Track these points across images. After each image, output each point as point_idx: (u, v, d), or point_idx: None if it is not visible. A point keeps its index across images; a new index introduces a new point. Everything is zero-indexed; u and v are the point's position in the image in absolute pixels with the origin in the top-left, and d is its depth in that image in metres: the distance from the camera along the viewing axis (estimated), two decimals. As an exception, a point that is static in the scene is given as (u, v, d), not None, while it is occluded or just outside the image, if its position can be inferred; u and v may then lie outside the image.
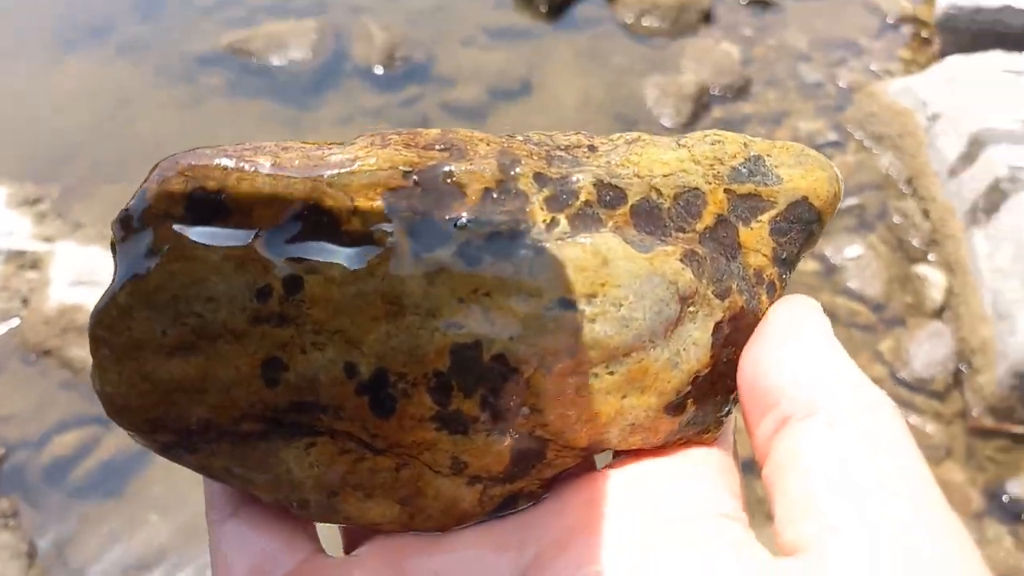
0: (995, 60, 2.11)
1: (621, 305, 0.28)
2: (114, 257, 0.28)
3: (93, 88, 2.38)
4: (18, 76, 2.41)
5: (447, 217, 0.28)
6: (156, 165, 0.29)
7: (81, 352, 1.59)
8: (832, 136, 2.20)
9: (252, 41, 2.44)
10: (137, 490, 1.48)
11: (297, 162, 0.27)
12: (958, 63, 2.14)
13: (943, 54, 2.38)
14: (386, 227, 0.27)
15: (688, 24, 2.59)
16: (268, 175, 0.26)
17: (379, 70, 2.41)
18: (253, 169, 0.26)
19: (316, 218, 0.26)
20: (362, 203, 0.26)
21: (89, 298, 1.64)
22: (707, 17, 2.62)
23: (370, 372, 0.27)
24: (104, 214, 1.92)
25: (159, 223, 0.27)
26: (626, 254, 0.28)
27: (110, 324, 0.26)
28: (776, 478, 0.24)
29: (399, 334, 0.27)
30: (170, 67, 2.45)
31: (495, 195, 0.28)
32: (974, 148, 1.85)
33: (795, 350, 0.26)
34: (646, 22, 2.60)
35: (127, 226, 0.27)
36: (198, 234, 0.26)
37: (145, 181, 0.28)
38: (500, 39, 2.57)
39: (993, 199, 1.73)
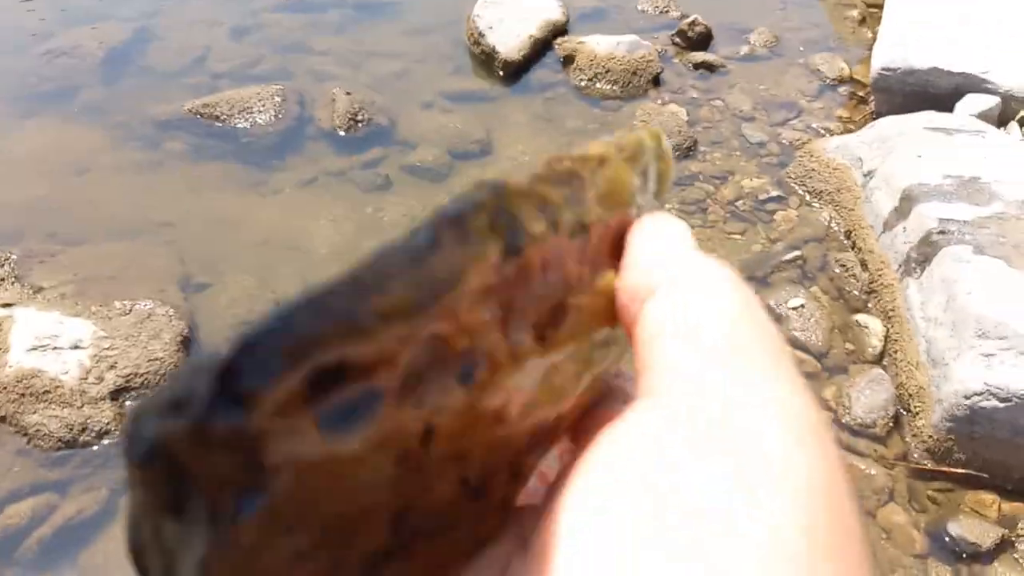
0: (925, 119, 2.24)
1: None
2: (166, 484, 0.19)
3: (53, 152, 2.41)
4: (-20, 141, 2.43)
5: None
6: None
7: (38, 418, 1.59)
8: (775, 192, 2.31)
9: (216, 106, 2.50)
10: (93, 559, 1.47)
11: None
12: (891, 122, 2.27)
13: (877, 113, 2.52)
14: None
15: (638, 87, 2.71)
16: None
17: (342, 133, 2.48)
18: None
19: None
20: (466, 318, 0.23)
21: (48, 363, 1.65)
22: (656, 81, 2.74)
23: (477, 476, 0.24)
24: (64, 278, 1.93)
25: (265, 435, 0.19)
26: None
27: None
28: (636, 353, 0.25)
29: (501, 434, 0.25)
30: (132, 131, 2.49)
31: None
32: (906, 203, 1.96)
33: (652, 250, 0.27)
34: (598, 85, 2.72)
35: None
36: (327, 421, 0.19)
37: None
38: (459, 103, 2.67)
39: (924, 251, 1.83)
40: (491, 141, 2.51)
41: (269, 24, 3.00)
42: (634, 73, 2.72)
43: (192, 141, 2.45)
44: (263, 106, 2.52)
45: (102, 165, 2.37)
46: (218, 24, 2.96)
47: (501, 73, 2.77)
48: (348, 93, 2.57)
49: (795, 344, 1.88)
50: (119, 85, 2.66)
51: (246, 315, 1.87)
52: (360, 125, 2.50)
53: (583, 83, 2.73)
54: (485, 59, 2.82)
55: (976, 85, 2.40)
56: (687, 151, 2.45)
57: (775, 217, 2.23)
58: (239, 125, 2.48)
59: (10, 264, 1.97)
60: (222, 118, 2.49)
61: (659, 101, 2.67)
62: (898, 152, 2.11)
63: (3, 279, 1.91)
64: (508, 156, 2.46)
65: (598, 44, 2.77)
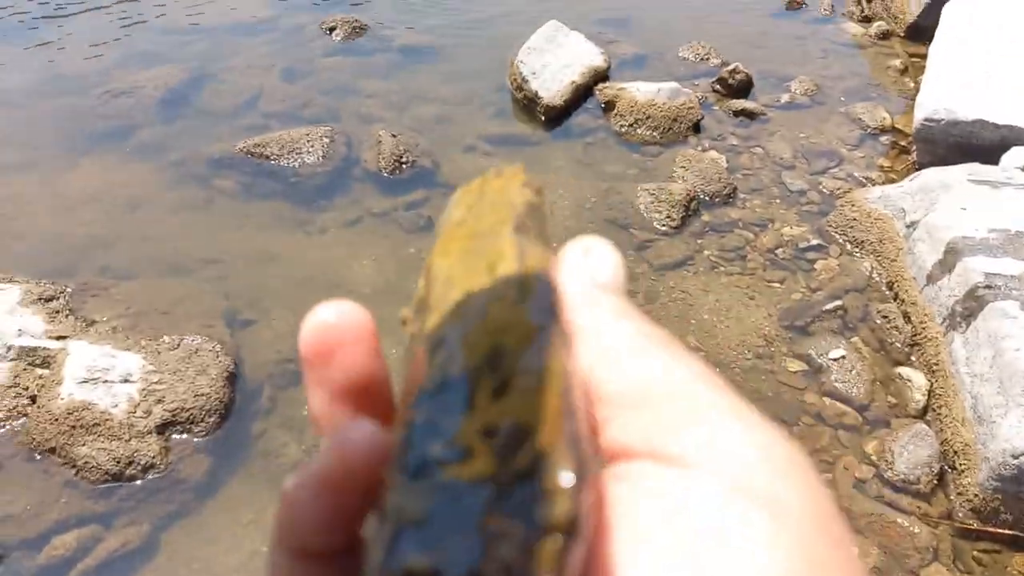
0: (969, 171, 2.23)
1: None
2: None
3: (109, 188, 2.50)
4: (36, 176, 2.54)
5: None
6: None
7: (87, 450, 1.64)
8: (815, 240, 2.30)
9: (267, 145, 2.58)
10: (133, 588, 1.50)
11: None
12: (934, 174, 2.26)
13: (920, 164, 2.51)
14: None
15: (678, 134, 2.73)
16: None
17: (386, 174, 2.53)
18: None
19: None
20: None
21: (99, 396, 1.70)
22: (696, 127, 2.77)
23: None
24: (116, 311, 2.00)
25: None
26: None
27: None
28: None
29: None
30: (185, 169, 2.58)
31: None
32: (951, 256, 1.94)
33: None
34: (639, 131, 2.75)
35: None
36: None
37: None
38: (500, 146, 2.72)
39: (970, 306, 1.81)
40: (531, 184, 2.54)
41: (319, 68, 3.10)
42: (674, 119, 2.75)
43: (242, 180, 2.52)
44: (312, 147, 2.59)
45: (155, 202, 2.45)
46: (271, 67, 3.07)
47: (543, 118, 2.82)
48: (394, 135, 2.64)
49: (836, 396, 1.86)
50: (174, 124, 2.76)
51: (289, 352, 1.91)
52: (404, 167, 2.56)
53: (623, 129, 2.76)
54: (527, 104, 2.87)
55: (1022, 138, 2.38)
56: (726, 197, 2.46)
57: (815, 266, 2.22)
58: (288, 165, 2.55)
59: (65, 297, 2.04)
60: (272, 158, 2.57)
61: (699, 147, 2.69)
62: (942, 204, 2.09)
63: (58, 311, 1.98)
64: (548, 199, 2.48)
65: (639, 90, 2.81)
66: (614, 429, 0.23)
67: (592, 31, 3.20)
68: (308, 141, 2.61)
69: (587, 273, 0.27)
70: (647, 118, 2.75)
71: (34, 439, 1.68)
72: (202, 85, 2.96)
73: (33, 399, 1.77)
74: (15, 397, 1.77)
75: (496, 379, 0.20)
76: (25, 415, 1.74)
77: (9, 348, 1.84)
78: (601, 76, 2.97)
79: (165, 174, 2.57)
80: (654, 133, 2.74)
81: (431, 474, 0.19)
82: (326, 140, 2.63)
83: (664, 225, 2.34)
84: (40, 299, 2.00)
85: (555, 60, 2.94)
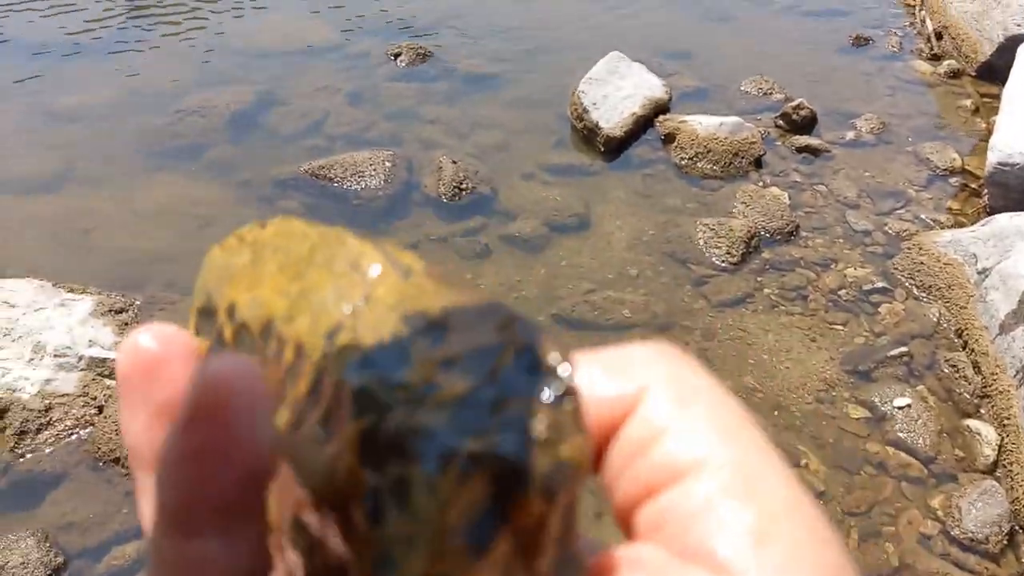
0: (1044, 217, 2.16)
1: None
2: None
3: (179, 205, 2.58)
4: (112, 190, 2.63)
5: None
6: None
7: (149, 460, 1.68)
8: (880, 283, 2.25)
9: (331, 168, 2.64)
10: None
11: None
12: (1008, 219, 2.19)
13: (991, 208, 2.44)
14: None
15: (739, 168, 2.71)
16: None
17: (445, 200, 2.56)
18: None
19: None
20: None
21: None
22: (758, 162, 2.74)
23: None
24: (182, 326, 2.05)
25: None
26: None
27: None
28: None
29: None
30: (252, 189, 2.65)
31: None
32: (1024, 305, 1.87)
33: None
34: (699, 165, 2.73)
35: None
36: None
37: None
38: (559, 175, 2.73)
39: (1045, 358, 1.74)
40: (589, 215, 2.55)
41: (384, 92, 3.16)
42: (735, 154, 2.73)
43: (306, 201, 2.58)
44: (374, 170, 2.64)
45: (222, 220, 2.52)
46: (337, 90, 3.14)
47: (602, 148, 2.82)
48: (454, 162, 2.67)
49: (900, 446, 1.80)
50: (243, 144, 2.85)
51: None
52: (464, 193, 2.58)
53: (683, 162, 2.75)
54: (587, 134, 2.88)
55: (1103, 184, 2.30)
56: (788, 235, 2.42)
57: (880, 310, 2.17)
58: (351, 188, 2.60)
59: (134, 310, 2.10)
60: (336, 180, 2.62)
61: (760, 183, 2.66)
62: (1017, 251, 2.03)
63: (127, 324, 2.04)
64: (605, 230, 2.49)
65: (700, 124, 2.80)
66: (659, 500, 0.19)
67: (654, 63, 3.21)
68: (371, 165, 2.66)
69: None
70: (708, 152, 2.74)
71: (99, 448, 1.73)
72: (271, 107, 3.05)
73: (100, 409, 1.82)
74: (83, 406, 1.82)
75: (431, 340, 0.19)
76: (92, 424, 1.80)
77: (80, 358, 1.90)
78: (662, 108, 2.97)
79: (233, 193, 2.64)
80: (715, 167, 2.72)
81: (420, 399, 0.18)
82: (388, 164, 2.67)
83: (723, 261, 2.32)
84: (111, 311, 2.07)
85: (616, 91, 2.95)
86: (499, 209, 2.56)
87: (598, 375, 0.21)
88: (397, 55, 3.37)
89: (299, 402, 0.20)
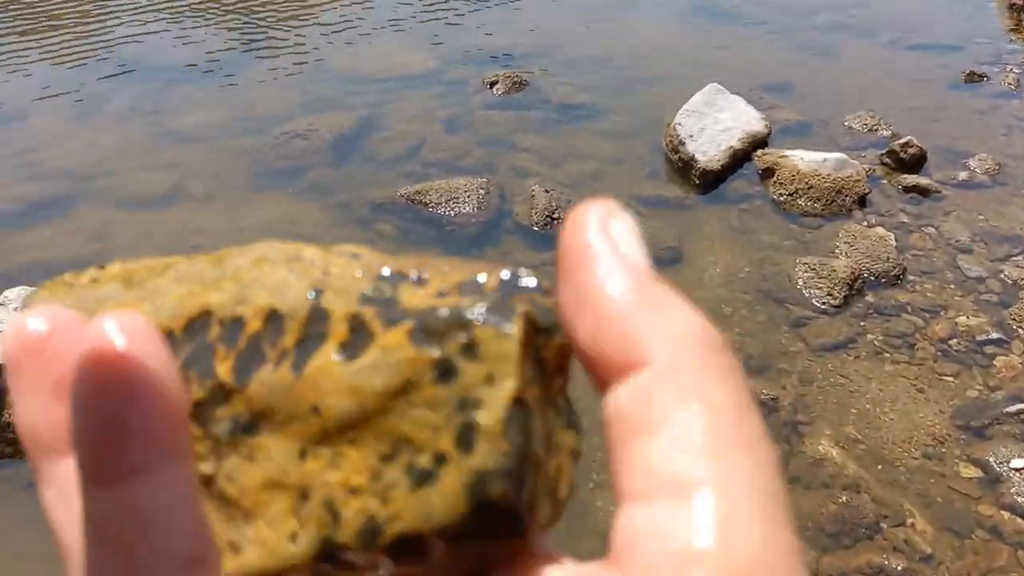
0: None
1: None
2: None
3: (279, 224, 2.67)
4: (218, 207, 2.75)
5: None
6: None
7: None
8: (995, 334, 2.12)
9: (427, 193, 2.69)
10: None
11: None
12: None
13: (1122, 258, 2.28)
14: None
15: (842, 207, 2.62)
16: None
17: (537, 228, 2.57)
18: None
19: None
20: None
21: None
22: (862, 201, 2.64)
23: None
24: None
25: None
26: None
27: None
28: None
29: None
30: (350, 211, 2.72)
31: None
32: None
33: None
34: (799, 202, 2.66)
35: None
36: None
37: None
38: (652, 207, 2.70)
39: None
40: (682, 249, 2.51)
41: (479, 120, 3.21)
42: (838, 192, 2.64)
43: (401, 225, 2.63)
44: (468, 197, 2.68)
45: (320, 239, 2.57)
46: (434, 117, 3.21)
47: (697, 182, 2.78)
48: (547, 191, 2.68)
49: (1017, 511, 1.68)
50: (343, 168, 2.93)
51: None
52: (556, 222, 2.58)
53: (782, 198, 2.68)
54: (682, 167, 2.85)
55: None
56: (894, 279, 2.32)
57: (995, 362, 2.04)
58: (445, 213, 2.64)
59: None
60: (431, 206, 2.67)
61: (865, 223, 2.56)
62: None
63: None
64: (699, 266, 2.44)
65: (802, 159, 2.72)
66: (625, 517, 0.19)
67: (753, 96, 3.15)
68: (465, 191, 2.70)
69: (620, 258, 0.23)
70: (809, 188, 2.66)
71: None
72: (370, 132, 3.13)
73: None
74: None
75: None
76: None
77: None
78: (761, 142, 2.91)
79: (331, 214, 2.72)
80: (816, 204, 2.64)
81: (438, 306, 0.22)
82: (482, 191, 2.71)
83: (824, 303, 2.23)
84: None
85: (714, 124, 2.90)
86: (591, 240, 2.55)
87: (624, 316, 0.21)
88: (493, 83, 3.43)
89: (291, 347, 0.23)
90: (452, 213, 2.65)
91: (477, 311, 0.22)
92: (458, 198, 2.68)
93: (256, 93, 3.41)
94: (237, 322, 0.24)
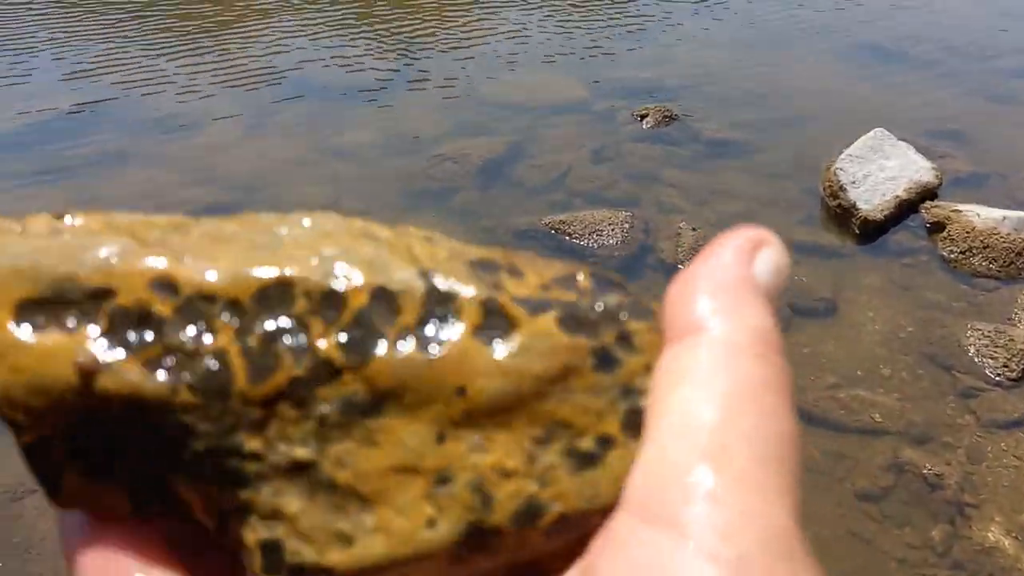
0: None
1: None
2: None
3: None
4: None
5: None
6: None
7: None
8: None
9: (571, 224, 2.69)
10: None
11: None
12: None
13: None
14: None
15: (1022, 270, 2.40)
16: None
17: (681, 267, 2.50)
18: None
19: None
20: None
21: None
22: (1047, 265, 2.41)
23: None
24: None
25: None
26: None
27: None
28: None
29: None
30: (494, 235, 2.75)
31: None
32: None
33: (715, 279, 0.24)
34: (972, 261, 2.45)
35: None
36: None
37: None
38: (805, 254, 2.57)
39: None
40: (837, 301, 2.37)
41: (626, 152, 3.19)
42: (1019, 254, 2.42)
43: (543, 253, 2.60)
44: (612, 230, 2.65)
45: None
46: (581, 147, 3.21)
47: (857, 231, 2.63)
48: (694, 229, 2.61)
49: None
50: (490, 192, 2.98)
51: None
52: (702, 263, 2.51)
53: (953, 255, 2.49)
54: (840, 214, 2.70)
55: None
56: (1083, 355, 2.09)
57: None
58: (588, 245, 2.63)
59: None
60: (574, 236, 2.66)
61: (1048, 289, 2.33)
62: None
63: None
64: (855, 320, 2.30)
65: (977, 215, 2.52)
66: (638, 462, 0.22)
67: (922, 143, 2.96)
68: (609, 224, 2.67)
69: (745, 268, 0.24)
70: (984, 247, 2.45)
71: None
72: (518, 159, 3.17)
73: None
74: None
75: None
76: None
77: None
78: (929, 193, 2.72)
79: (475, 237, 2.76)
80: (992, 265, 2.43)
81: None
82: (626, 225, 2.67)
83: (999, 374, 2.04)
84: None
85: (878, 171, 2.74)
86: (738, 283, 2.45)
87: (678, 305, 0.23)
88: (643, 116, 3.39)
89: (412, 326, 0.23)
90: (595, 245, 2.63)
91: (622, 306, 0.23)
92: (602, 230, 2.66)
93: (411, 117, 3.53)
94: (333, 296, 0.22)
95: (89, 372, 0.22)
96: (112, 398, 0.22)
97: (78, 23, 4.26)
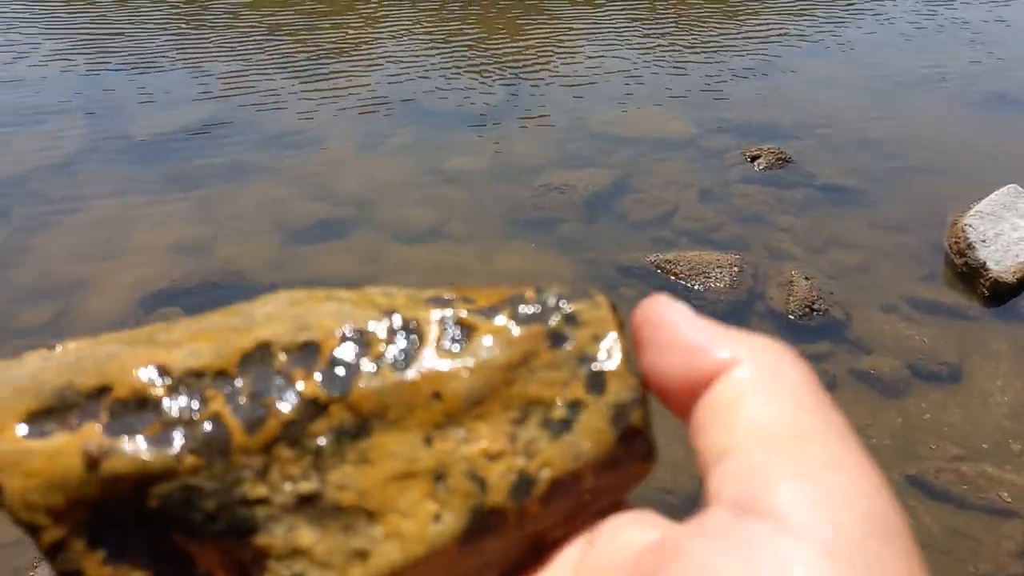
0: None
1: None
2: None
3: (529, 272, 2.74)
4: (475, 248, 2.87)
5: None
6: None
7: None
8: None
9: (677, 263, 2.64)
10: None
11: None
12: None
13: None
14: None
15: None
16: None
17: (792, 317, 2.42)
18: None
19: None
20: None
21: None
22: None
23: None
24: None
25: None
26: None
27: None
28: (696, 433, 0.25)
29: None
30: (596, 268, 2.73)
31: None
32: None
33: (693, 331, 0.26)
34: (1117, 334, 2.27)
35: None
36: None
37: None
38: (927, 313, 2.44)
39: None
40: (962, 366, 2.23)
41: (736, 194, 3.12)
42: None
43: (646, 292, 2.56)
44: (720, 274, 2.58)
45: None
46: (689, 186, 3.16)
47: (986, 292, 2.48)
48: (807, 278, 2.52)
49: None
50: (595, 225, 2.96)
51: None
52: (816, 314, 2.41)
53: (1094, 326, 2.31)
54: (966, 272, 2.56)
55: None
56: None
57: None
58: (693, 287, 2.57)
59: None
60: (680, 276, 2.61)
61: None
62: None
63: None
64: (982, 389, 2.16)
65: (1123, 285, 2.34)
66: (713, 475, 0.23)
67: (1061, 203, 2.77)
68: (717, 267, 2.61)
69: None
70: None
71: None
72: (624, 193, 3.15)
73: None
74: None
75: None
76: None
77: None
78: (1069, 257, 2.53)
79: (578, 269, 2.74)
80: None
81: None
82: (735, 269, 2.60)
83: None
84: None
85: (1011, 230, 2.59)
86: (853, 339, 2.35)
87: (700, 334, 0.25)
88: (755, 157, 3.32)
89: (384, 354, 0.25)
90: (701, 287, 2.57)
91: (561, 296, 0.26)
92: (709, 273, 2.60)
93: (518, 146, 3.56)
94: (308, 346, 0.25)
95: (95, 458, 0.23)
96: (120, 478, 0.23)
97: (208, 44, 4.51)
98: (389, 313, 0.26)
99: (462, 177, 3.28)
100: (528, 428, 0.25)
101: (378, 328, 0.25)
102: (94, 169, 3.19)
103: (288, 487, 0.24)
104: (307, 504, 0.24)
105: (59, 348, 0.26)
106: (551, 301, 0.26)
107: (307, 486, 0.24)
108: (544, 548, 0.25)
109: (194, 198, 3.00)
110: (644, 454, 0.26)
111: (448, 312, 0.26)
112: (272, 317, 0.26)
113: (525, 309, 0.26)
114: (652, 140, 3.54)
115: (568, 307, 0.26)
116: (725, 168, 3.31)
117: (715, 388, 0.24)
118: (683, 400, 0.25)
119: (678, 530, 0.22)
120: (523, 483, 0.24)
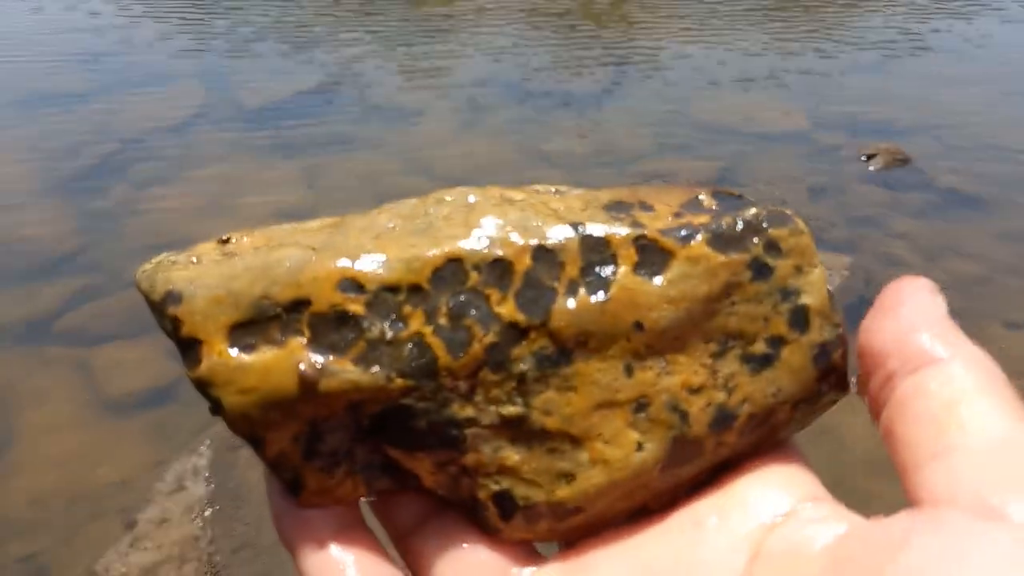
0: None
1: None
2: None
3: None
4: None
5: None
6: None
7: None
8: None
9: (781, 263, 2.54)
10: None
11: None
12: None
13: None
14: None
15: None
16: None
17: (904, 327, 2.29)
18: None
19: None
20: None
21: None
22: None
23: None
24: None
25: None
26: None
27: None
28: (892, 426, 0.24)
29: None
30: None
31: None
32: None
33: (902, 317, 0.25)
34: None
35: None
36: None
37: None
38: (1057, 334, 2.27)
39: None
40: (1093, 393, 2.06)
41: (849, 193, 2.97)
42: None
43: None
44: (829, 276, 2.45)
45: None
46: (798, 181, 3.03)
47: (1126, 316, 2.28)
48: (923, 287, 2.38)
49: None
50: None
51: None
52: (931, 326, 2.28)
53: None
54: (1104, 293, 2.36)
55: None
56: None
57: None
58: (799, 288, 2.47)
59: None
60: (785, 276, 2.51)
61: None
62: None
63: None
64: None
65: None
66: (935, 472, 0.22)
67: None
68: (827, 269, 2.49)
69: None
70: None
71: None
72: (728, 184, 3.02)
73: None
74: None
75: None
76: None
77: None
78: None
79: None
80: None
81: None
82: (845, 272, 2.48)
83: None
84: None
85: None
86: (971, 355, 2.21)
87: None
88: (871, 156, 3.15)
89: (578, 277, 0.25)
90: (807, 289, 2.46)
91: (761, 217, 0.25)
92: (817, 274, 2.48)
93: (618, 131, 3.50)
94: (499, 263, 0.24)
95: (312, 378, 0.24)
96: (335, 396, 0.24)
97: (317, 20, 4.59)
98: (578, 227, 0.25)
99: (562, 160, 3.24)
100: (728, 362, 0.25)
101: (570, 244, 0.25)
102: (206, 133, 3.30)
103: (493, 409, 0.24)
104: (512, 427, 0.24)
105: (232, 241, 0.26)
106: (748, 219, 0.25)
107: (512, 410, 0.24)
108: (722, 467, 0.26)
109: (298, 165, 3.06)
110: (840, 389, 0.26)
111: (638, 228, 0.25)
112: (452, 222, 0.25)
113: (721, 228, 0.25)
114: (761, 132, 3.41)
115: (769, 230, 0.25)
116: (838, 165, 3.16)
117: (926, 376, 0.24)
118: (878, 364, 0.25)
119: (894, 523, 0.21)
120: (723, 416, 0.24)
